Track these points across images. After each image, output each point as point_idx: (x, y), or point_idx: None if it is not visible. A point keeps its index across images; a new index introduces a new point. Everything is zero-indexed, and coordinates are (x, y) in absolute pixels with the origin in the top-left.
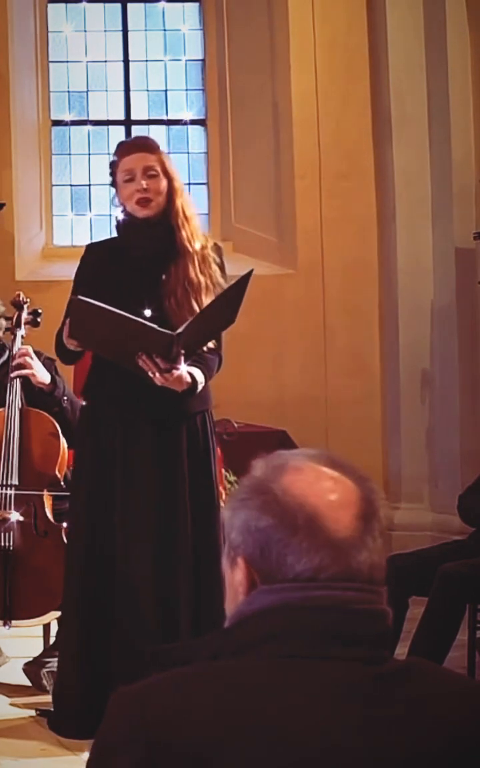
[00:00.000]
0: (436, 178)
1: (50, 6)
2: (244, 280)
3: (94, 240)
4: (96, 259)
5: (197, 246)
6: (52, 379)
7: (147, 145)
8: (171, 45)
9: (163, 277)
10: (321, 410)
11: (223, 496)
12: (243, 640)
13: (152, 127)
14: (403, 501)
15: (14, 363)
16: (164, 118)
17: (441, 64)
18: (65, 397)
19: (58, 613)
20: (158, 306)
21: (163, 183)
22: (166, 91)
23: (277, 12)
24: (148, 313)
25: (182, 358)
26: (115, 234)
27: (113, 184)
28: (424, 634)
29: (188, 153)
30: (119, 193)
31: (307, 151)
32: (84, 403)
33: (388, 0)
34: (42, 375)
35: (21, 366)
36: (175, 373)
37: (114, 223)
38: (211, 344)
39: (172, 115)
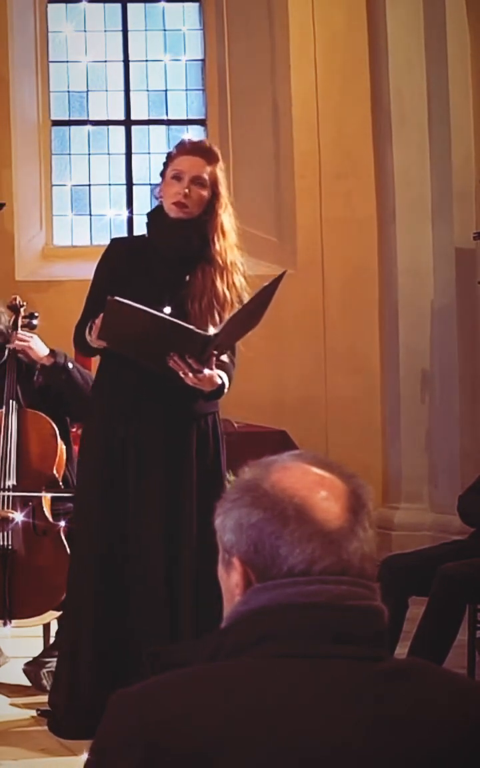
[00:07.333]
0: (436, 178)
1: (50, 6)
2: (275, 283)
3: (95, 241)
4: (119, 254)
5: (229, 260)
6: (51, 351)
7: (208, 153)
8: (171, 45)
9: (187, 278)
10: (321, 410)
11: None
12: (240, 641)
13: (152, 127)
14: (403, 501)
15: (11, 346)
16: (164, 118)
17: (441, 64)
18: (69, 363)
19: (57, 613)
20: (179, 306)
21: (206, 194)
22: (166, 91)
23: (277, 12)
24: (167, 310)
25: (213, 360)
26: (137, 231)
27: (162, 174)
28: (424, 634)
29: None
30: (162, 187)
31: (307, 150)
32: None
33: (388, 0)
34: (39, 348)
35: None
36: (207, 373)
37: (147, 210)
38: (224, 357)
39: (172, 115)
